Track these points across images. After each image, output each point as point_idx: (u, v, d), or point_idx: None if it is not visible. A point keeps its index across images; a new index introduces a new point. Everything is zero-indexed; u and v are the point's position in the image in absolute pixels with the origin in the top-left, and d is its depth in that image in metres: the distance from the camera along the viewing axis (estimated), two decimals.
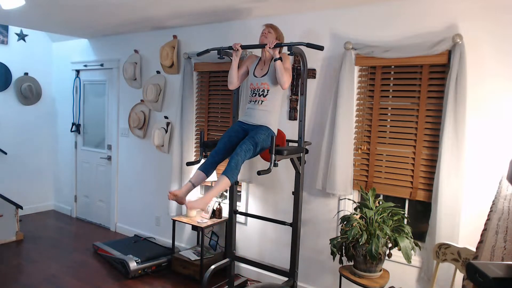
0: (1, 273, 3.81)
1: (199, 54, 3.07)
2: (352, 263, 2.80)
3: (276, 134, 2.76)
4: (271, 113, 2.73)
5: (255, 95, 2.76)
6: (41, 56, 5.69)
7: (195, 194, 4.19)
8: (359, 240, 2.61)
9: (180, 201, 2.59)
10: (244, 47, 2.79)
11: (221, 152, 2.70)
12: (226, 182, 2.48)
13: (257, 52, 3.48)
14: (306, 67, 2.86)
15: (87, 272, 3.90)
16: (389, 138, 3.05)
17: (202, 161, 2.98)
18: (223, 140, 2.73)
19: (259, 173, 2.49)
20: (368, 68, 3.12)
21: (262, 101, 2.72)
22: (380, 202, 2.84)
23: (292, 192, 3.01)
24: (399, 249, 2.55)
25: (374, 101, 3.10)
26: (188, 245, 4.29)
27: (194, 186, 2.64)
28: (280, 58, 2.58)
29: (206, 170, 2.66)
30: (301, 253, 3.17)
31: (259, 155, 2.84)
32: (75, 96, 5.59)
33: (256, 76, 2.80)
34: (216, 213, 3.89)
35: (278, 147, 2.65)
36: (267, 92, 2.72)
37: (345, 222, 2.78)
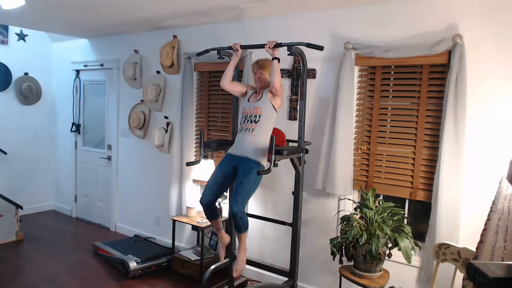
0: (1, 273, 3.81)
1: (199, 54, 3.07)
2: (352, 263, 2.80)
3: (265, 161, 2.74)
4: (260, 141, 2.68)
5: (246, 122, 2.74)
6: (41, 56, 5.69)
7: (195, 197, 4.19)
8: (359, 240, 2.61)
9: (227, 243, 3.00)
10: (243, 47, 2.80)
11: (209, 196, 2.76)
12: (244, 235, 2.70)
13: (260, 54, 3.48)
14: (306, 67, 2.86)
15: (87, 272, 3.90)
16: (389, 138, 3.05)
17: (203, 161, 3.00)
18: (210, 183, 2.76)
19: (258, 173, 2.50)
20: (368, 68, 3.12)
21: (252, 129, 2.69)
22: (380, 202, 2.84)
23: (292, 192, 3.01)
24: (399, 249, 2.55)
25: (374, 101, 3.10)
26: (188, 245, 4.29)
27: (222, 227, 2.95)
28: (278, 58, 2.60)
29: (213, 215, 2.85)
30: (301, 253, 3.17)
31: None
32: (75, 96, 5.59)
33: (249, 102, 2.81)
34: (219, 213, 3.88)
35: (278, 147, 2.65)
36: (259, 118, 2.69)
37: (345, 222, 2.78)
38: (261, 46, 2.68)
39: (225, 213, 3.89)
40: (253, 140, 2.67)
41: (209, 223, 3.76)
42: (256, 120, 2.69)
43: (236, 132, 3.31)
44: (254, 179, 2.61)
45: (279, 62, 2.59)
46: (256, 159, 2.66)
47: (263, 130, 2.69)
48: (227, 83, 2.86)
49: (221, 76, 4.05)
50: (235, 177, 2.75)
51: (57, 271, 3.88)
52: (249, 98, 2.85)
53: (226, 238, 2.96)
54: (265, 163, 2.73)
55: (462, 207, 2.67)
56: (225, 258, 3.39)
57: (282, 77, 2.97)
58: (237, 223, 2.60)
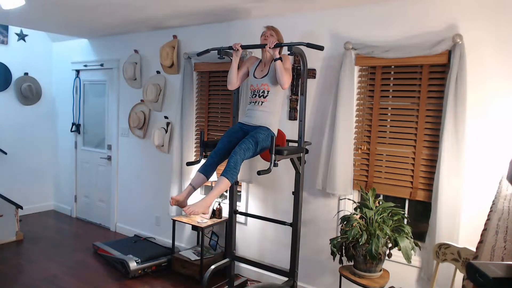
0: (1, 273, 3.81)
1: (199, 54, 3.07)
2: (352, 263, 2.80)
3: (276, 134, 2.76)
4: (271, 114, 2.73)
5: (255, 96, 2.76)
6: (41, 56, 5.69)
7: (196, 196, 4.20)
8: (359, 240, 2.61)
9: (182, 205, 2.60)
10: (244, 47, 2.79)
11: (220, 152, 2.70)
12: (225, 183, 2.48)
13: (258, 53, 3.48)
14: (306, 67, 2.86)
15: (87, 272, 3.90)
16: (389, 138, 3.05)
17: (203, 161, 2.99)
18: (223, 141, 2.73)
19: (259, 173, 2.49)
20: (368, 68, 3.12)
21: (262, 102, 2.72)
22: (380, 202, 2.84)
23: (292, 192, 3.01)
24: (399, 249, 2.55)
25: (374, 101, 3.10)
26: (188, 245, 4.29)
27: (195, 188, 2.65)
28: (280, 58, 2.59)
29: (206, 171, 2.67)
30: (301, 253, 3.17)
31: (259, 155, 2.84)
32: (75, 96, 5.59)
33: (256, 78, 2.80)
34: (216, 213, 3.89)
35: (278, 147, 2.65)
36: (267, 93, 2.72)
37: (345, 222, 2.78)
38: (262, 46, 2.68)
39: (225, 214, 3.89)
40: (264, 112, 2.72)
41: (209, 223, 3.77)
42: (265, 95, 2.73)
43: None
44: (263, 137, 2.63)
45: (281, 61, 2.59)
46: (267, 126, 2.70)
47: (272, 104, 2.73)
48: (234, 84, 2.87)
49: (221, 76, 4.07)
50: None
51: (57, 271, 3.88)
52: (254, 73, 2.84)
53: (184, 199, 2.62)
54: (275, 131, 2.75)
55: (462, 207, 2.67)
56: (224, 258, 3.39)
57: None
58: (229, 165, 2.46)
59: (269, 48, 2.61)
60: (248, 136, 2.62)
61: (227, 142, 2.71)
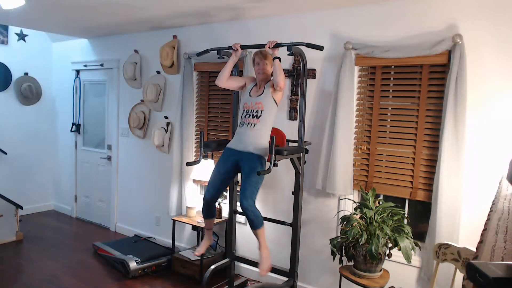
0: (1, 273, 3.81)
1: (199, 54, 3.08)
2: (352, 263, 2.80)
3: (266, 155, 2.70)
4: (263, 136, 2.69)
5: (248, 117, 2.72)
6: (41, 56, 5.69)
7: (195, 197, 4.19)
8: (359, 240, 2.61)
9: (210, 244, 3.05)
10: (243, 47, 2.79)
11: (213, 194, 2.81)
12: (261, 231, 2.65)
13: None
14: (306, 67, 2.86)
15: (87, 272, 3.90)
16: (389, 138, 3.05)
17: (203, 161, 3.00)
18: (214, 181, 2.78)
19: (259, 173, 2.50)
20: (368, 68, 3.12)
21: (254, 124, 2.68)
22: (380, 202, 2.84)
23: (292, 192, 3.01)
24: (399, 249, 2.55)
25: (374, 101, 3.10)
26: (188, 245, 4.29)
27: (211, 229, 3.00)
28: (279, 58, 2.59)
29: (210, 215, 2.92)
30: (301, 253, 3.17)
31: None
32: (75, 96, 5.59)
33: (251, 96, 2.79)
34: (216, 213, 3.88)
35: (278, 147, 2.65)
36: (261, 113, 2.68)
37: (345, 222, 2.78)
38: (261, 46, 2.68)
39: (225, 214, 3.89)
40: (256, 135, 2.67)
41: None
42: (258, 115, 2.69)
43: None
44: (259, 163, 2.63)
45: (280, 61, 2.59)
46: (259, 153, 2.66)
47: (265, 124, 2.70)
48: (224, 81, 2.83)
49: None
50: (236, 173, 2.77)
51: (57, 271, 3.88)
52: (250, 92, 2.83)
53: (210, 240, 3.03)
54: (267, 158, 2.72)
55: (462, 207, 2.67)
56: (224, 258, 3.39)
57: None
58: (251, 219, 2.58)
59: (269, 48, 2.62)
60: (244, 177, 2.61)
61: (218, 181, 2.78)
